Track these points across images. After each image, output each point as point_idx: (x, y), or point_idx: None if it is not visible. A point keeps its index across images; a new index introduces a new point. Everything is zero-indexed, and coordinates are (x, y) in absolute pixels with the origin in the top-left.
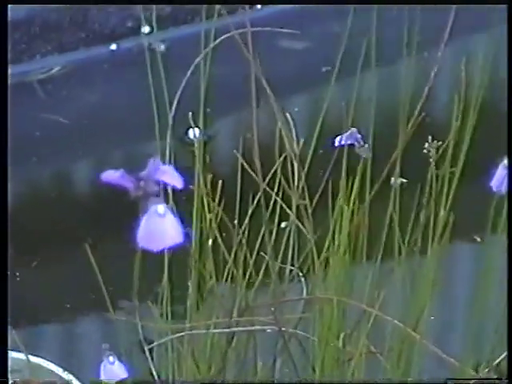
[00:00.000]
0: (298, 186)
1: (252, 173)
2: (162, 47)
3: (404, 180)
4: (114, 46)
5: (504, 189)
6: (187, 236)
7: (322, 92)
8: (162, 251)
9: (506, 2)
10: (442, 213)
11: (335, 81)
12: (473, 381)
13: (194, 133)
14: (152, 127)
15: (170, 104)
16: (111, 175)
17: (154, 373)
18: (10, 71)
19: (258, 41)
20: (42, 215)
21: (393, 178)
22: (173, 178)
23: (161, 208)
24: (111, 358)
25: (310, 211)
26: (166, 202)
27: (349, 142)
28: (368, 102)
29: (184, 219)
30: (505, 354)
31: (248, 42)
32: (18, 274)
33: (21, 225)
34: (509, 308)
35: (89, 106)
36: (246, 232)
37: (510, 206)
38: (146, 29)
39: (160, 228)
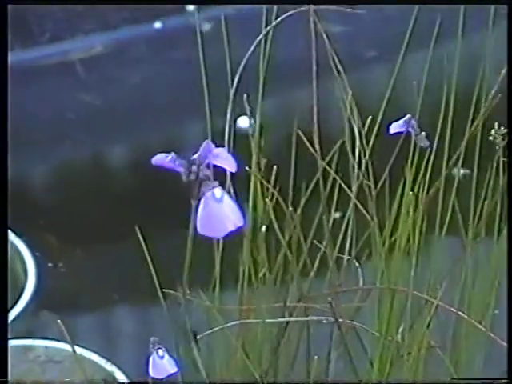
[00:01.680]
0: (360, 168)
1: (313, 151)
2: (208, 26)
3: (467, 171)
4: (158, 25)
5: None
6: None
7: (369, 76)
8: (224, 237)
9: (506, 2)
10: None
11: (382, 64)
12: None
13: (245, 122)
14: (198, 109)
15: (230, 82)
16: (162, 159)
17: (201, 367)
18: (50, 51)
19: (299, 23)
20: (84, 202)
21: (455, 169)
22: (226, 162)
23: (218, 192)
24: (161, 352)
25: (374, 193)
26: (222, 186)
27: (404, 130)
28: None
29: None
30: None
31: (311, 20)
32: (61, 264)
33: (63, 212)
34: (509, 308)
35: (132, 86)
36: (301, 218)
37: (510, 205)
38: (190, 7)
39: (219, 213)
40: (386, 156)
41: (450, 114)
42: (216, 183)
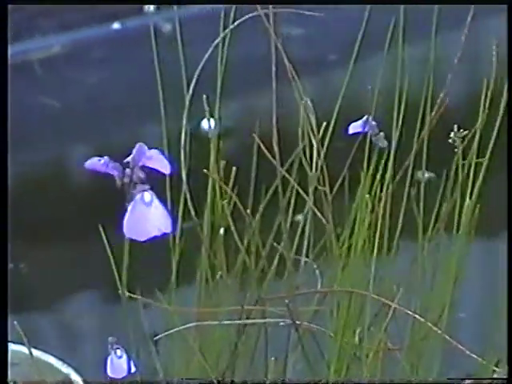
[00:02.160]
0: (316, 173)
1: (271, 157)
2: (167, 27)
3: (432, 174)
4: (117, 25)
5: None
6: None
7: (330, 79)
8: (149, 240)
9: (506, 2)
10: (466, 204)
11: (343, 67)
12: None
13: (209, 124)
14: (157, 110)
15: (185, 86)
16: (95, 163)
17: (159, 367)
18: (9, 50)
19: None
20: (40, 204)
21: (420, 172)
22: (160, 164)
23: (147, 196)
24: (119, 352)
25: (329, 198)
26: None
27: (363, 130)
28: (387, 89)
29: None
30: None
31: (270, 22)
32: (22, 265)
33: (21, 214)
34: (509, 308)
35: (90, 87)
36: (260, 221)
37: (509, 205)
38: (150, 7)
39: (146, 217)
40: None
41: (403, 115)
42: (147, 186)
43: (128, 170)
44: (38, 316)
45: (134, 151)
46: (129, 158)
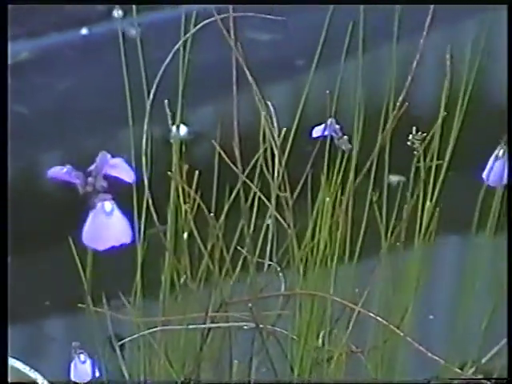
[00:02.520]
0: (278, 178)
1: (231, 163)
2: (135, 32)
3: (402, 178)
4: (84, 31)
5: (499, 180)
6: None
7: (296, 83)
8: (107, 250)
9: (506, 2)
10: (427, 207)
11: (310, 71)
12: (457, 381)
13: (177, 131)
14: (125, 116)
15: (146, 92)
16: (57, 172)
17: (125, 372)
18: None
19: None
20: (14, 212)
21: (391, 176)
22: (123, 172)
23: (108, 205)
24: (82, 357)
25: (290, 204)
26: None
27: (327, 133)
28: (350, 92)
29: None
30: (491, 353)
31: (229, 28)
32: None
33: None
34: (509, 308)
35: (58, 93)
36: (223, 225)
37: (509, 205)
38: (118, 13)
39: (105, 226)
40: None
41: (366, 119)
42: (108, 196)
43: (91, 179)
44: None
45: (97, 159)
46: (92, 167)
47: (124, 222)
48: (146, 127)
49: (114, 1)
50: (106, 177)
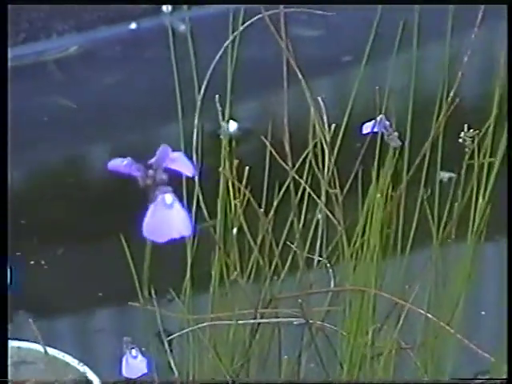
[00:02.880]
0: (328, 174)
1: (280, 159)
2: (183, 27)
3: (453, 174)
4: (133, 25)
5: None
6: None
7: (343, 79)
8: (169, 242)
9: (506, 2)
10: (479, 204)
11: (358, 68)
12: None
13: (226, 126)
14: (174, 111)
15: (197, 87)
16: (118, 164)
17: (174, 367)
18: (26, 50)
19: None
20: (63, 205)
21: (442, 172)
22: (183, 166)
23: (168, 198)
24: (134, 352)
25: (340, 200)
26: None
27: (377, 130)
28: (400, 89)
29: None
30: None
31: (280, 24)
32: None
33: (38, 213)
34: (509, 308)
35: (106, 87)
36: (273, 221)
37: (510, 205)
38: (167, 8)
39: (166, 219)
40: (364, 159)
41: (416, 115)
42: (169, 188)
43: (151, 172)
44: (55, 314)
45: (158, 153)
46: (152, 160)
47: (184, 214)
48: (196, 122)
49: (122, 1)
50: (166, 170)
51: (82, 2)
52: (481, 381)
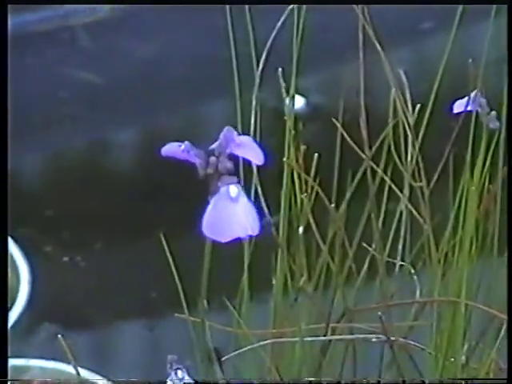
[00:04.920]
0: (411, 163)
1: (354, 146)
2: None
3: None
4: None
5: None
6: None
7: (424, 49)
8: (231, 242)
9: (506, 2)
10: None
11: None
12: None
13: (291, 103)
14: (223, 86)
15: (256, 58)
16: (174, 149)
17: None
18: (48, 14)
19: None
20: (84, 197)
21: None
22: (251, 152)
23: (233, 190)
24: (180, 373)
25: (426, 194)
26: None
27: (471, 109)
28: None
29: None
30: None
31: None
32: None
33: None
34: (509, 308)
35: (142, 60)
36: (345, 218)
37: (510, 206)
38: None
39: (230, 215)
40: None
41: None
42: (234, 179)
43: (213, 159)
44: (84, 327)
45: (221, 137)
46: (214, 145)
47: (252, 209)
48: (254, 101)
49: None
50: (231, 157)
51: (82, 2)
52: (481, 381)
